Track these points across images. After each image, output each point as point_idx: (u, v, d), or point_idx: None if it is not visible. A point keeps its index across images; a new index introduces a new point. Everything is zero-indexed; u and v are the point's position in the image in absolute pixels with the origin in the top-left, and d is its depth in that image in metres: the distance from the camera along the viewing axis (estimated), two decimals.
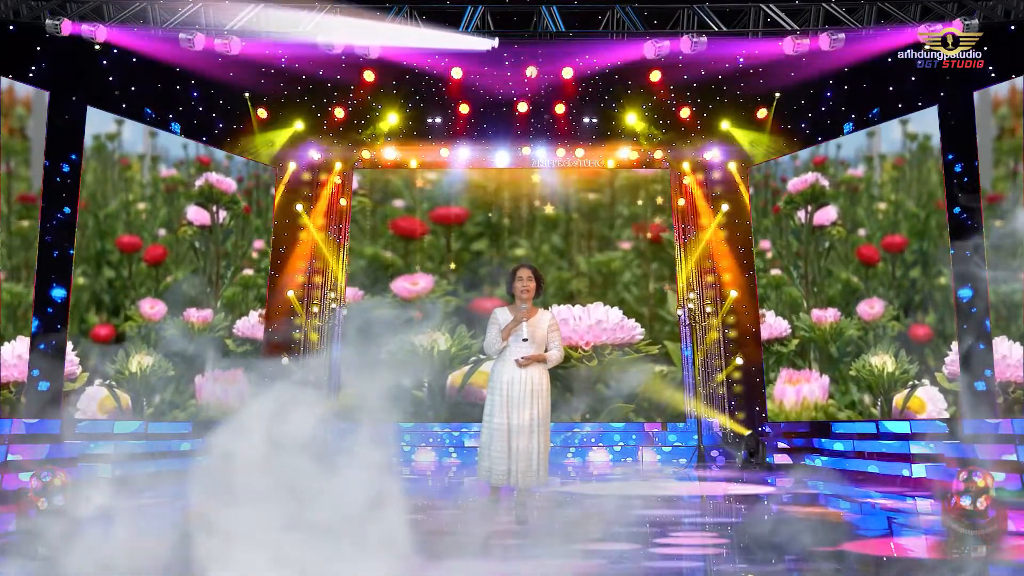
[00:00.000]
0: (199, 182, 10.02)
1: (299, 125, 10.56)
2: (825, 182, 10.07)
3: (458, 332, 10.76)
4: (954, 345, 8.73)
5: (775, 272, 10.47)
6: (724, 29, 9.44)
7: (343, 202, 11.23)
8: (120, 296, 9.30)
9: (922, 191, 9.24)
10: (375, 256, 11.20)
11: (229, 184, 10.28)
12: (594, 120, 10.76)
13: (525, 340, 5.19)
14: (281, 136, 10.65)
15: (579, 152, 11.26)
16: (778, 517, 6.38)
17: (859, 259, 9.74)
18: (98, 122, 9.23)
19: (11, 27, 8.67)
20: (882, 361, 9.26)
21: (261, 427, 4.13)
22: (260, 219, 10.64)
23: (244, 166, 10.49)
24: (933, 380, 8.94)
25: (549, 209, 11.33)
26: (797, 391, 10.01)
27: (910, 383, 9.06)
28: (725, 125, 10.66)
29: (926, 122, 9.19)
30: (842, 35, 9.09)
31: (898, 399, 9.11)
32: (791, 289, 10.33)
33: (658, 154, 11.22)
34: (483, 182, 11.37)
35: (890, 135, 9.54)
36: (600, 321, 10.95)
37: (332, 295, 11.02)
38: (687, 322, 11.12)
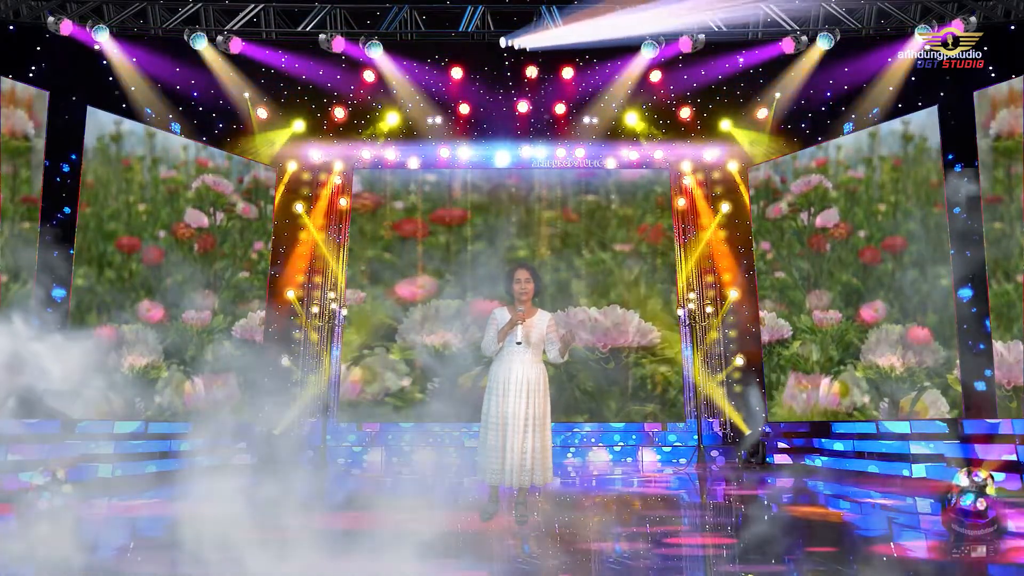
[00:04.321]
0: (195, 184, 10.01)
1: (299, 125, 10.56)
2: (828, 184, 10.06)
3: (469, 333, 10.77)
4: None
5: (778, 275, 10.46)
6: (724, 29, 9.44)
7: (343, 202, 11.23)
8: (121, 298, 9.29)
9: (921, 192, 9.23)
10: (375, 258, 11.20)
11: (226, 186, 10.27)
12: (594, 120, 10.76)
13: (519, 343, 5.15)
14: (281, 136, 10.65)
15: (579, 152, 11.27)
16: (778, 517, 6.38)
17: (861, 261, 9.72)
18: (99, 122, 9.23)
19: (11, 27, 8.68)
20: (889, 363, 9.23)
21: None
22: (260, 220, 10.63)
23: (244, 167, 10.49)
24: (935, 383, 8.93)
25: (548, 210, 11.32)
26: (807, 396, 9.99)
27: (919, 385, 9.02)
28: (725, 125, 10.66)
29: (925, 123, 9.18)
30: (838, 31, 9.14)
31: (904, 402, 9.09)
32: (792, 291, 10.32)
33: (658, 154, 11.22)
34: (483, 183, 11.37)
35: (890, 136, 9.53)
36: (618, 324, 10.97)
37: (332, 295, 11.02)
38: (687, 322, 11.12)
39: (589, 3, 9.33)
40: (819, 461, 9.64)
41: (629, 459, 10.70)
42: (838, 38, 9.26)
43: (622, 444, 10.81)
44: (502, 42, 9.22)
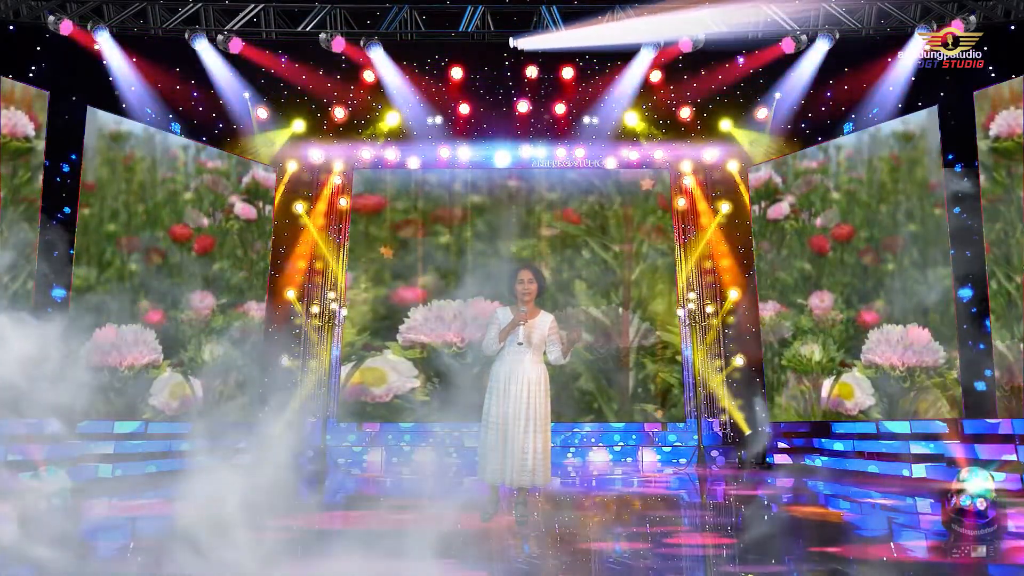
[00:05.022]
0: (195, 184, 10.00)
1: (299, 125, 10.56)
2: (829, 184, 10.06)
3: (469, 333, 10.76)
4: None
5: (778, 275, 10.45)
6: (724, 29, 9.43)
7: (343, 202, 11.22)
8: (121, 297, 9.28)
9: (921, 192, 9.23)
10: (376, 258, 11.19)
11: (225, 186, 10.26)
12: (594, 120, 10.76)
13: (520, 344, 5.15)
14: (281, 136, 10.64)
15: (579, 152, 11.26)
16: (778, 517, 6.38)
17: (861, 261, 9.71)
18: (99, 122, 9.23)
19: (11, 27, 8.68)
20: (889, 363, 9.21)
21: None
22: (259, 220, 10.62)
23: (243, 167, 10.48)
24: (935, 382, 8.93)
25: (548, 210, 11.32)
26: (808, 396, 9.98)
27: (919, 385, 9.02)
28: (725, 125, 10.65)
29: (925, 123, 9.18)
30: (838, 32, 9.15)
31: (903, 401, 9.09)
32: (793, 291, 10.31)
33: (658, 154, 11.22)
34: (483, 183, 11.37)
35: (890, 136, 9.53)
36: (618, 324, 10.97)
37: (332, 295, 11.02)
38: (687, 322, 11.12)
39: (589, 2, 9.33)
40: (819, 461, 9.64)
41: (629, 459, 10.70)
42: (838, 38, 9.26)
43: (622, 444, 10.80)
44: (510, 43, 9.21)
